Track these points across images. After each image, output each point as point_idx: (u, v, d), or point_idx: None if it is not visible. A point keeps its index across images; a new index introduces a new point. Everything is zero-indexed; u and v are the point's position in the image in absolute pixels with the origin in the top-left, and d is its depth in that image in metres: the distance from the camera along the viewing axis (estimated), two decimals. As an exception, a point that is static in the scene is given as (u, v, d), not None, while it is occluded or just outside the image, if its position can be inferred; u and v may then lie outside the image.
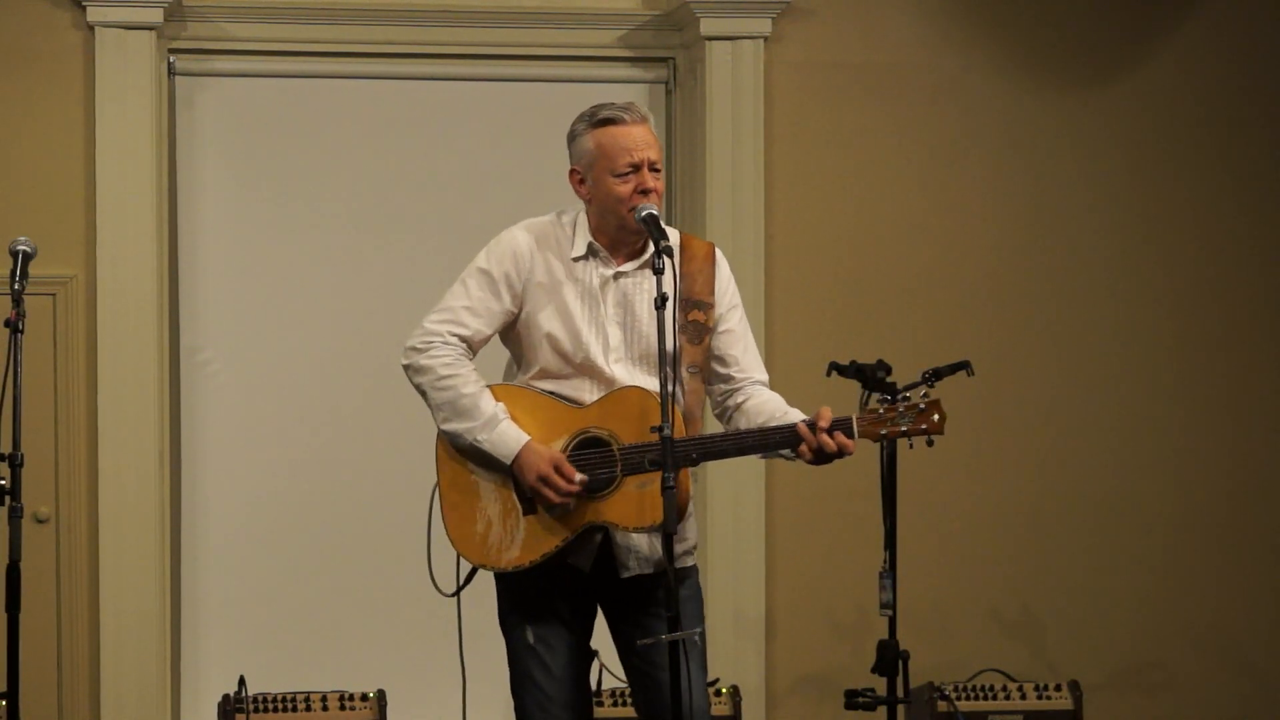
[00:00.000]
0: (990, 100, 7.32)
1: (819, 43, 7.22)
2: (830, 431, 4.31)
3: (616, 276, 4.44)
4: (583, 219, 4.47)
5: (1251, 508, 7.45)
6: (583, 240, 4.45)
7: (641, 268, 4.44)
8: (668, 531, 4.18)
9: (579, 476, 4.31)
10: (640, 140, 4.38)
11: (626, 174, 4.38)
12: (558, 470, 4.31)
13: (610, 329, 4.42)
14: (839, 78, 7.24)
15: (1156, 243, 7.41)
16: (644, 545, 4.40)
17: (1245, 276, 7.46)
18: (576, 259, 4.44)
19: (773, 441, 4.36)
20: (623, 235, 4.42)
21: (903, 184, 7.27)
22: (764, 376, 4.56)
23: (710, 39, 7.07)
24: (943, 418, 4.39)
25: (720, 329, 4.49)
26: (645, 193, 4.36)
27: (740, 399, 4.52)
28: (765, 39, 7.13)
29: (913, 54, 7.27)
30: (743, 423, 4.48)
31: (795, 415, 4.41)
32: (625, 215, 4.38)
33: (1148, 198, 7.41)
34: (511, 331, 4.48)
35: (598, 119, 4.42)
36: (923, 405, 4.39)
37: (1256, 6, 7.46)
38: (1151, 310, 7.42)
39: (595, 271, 4.44)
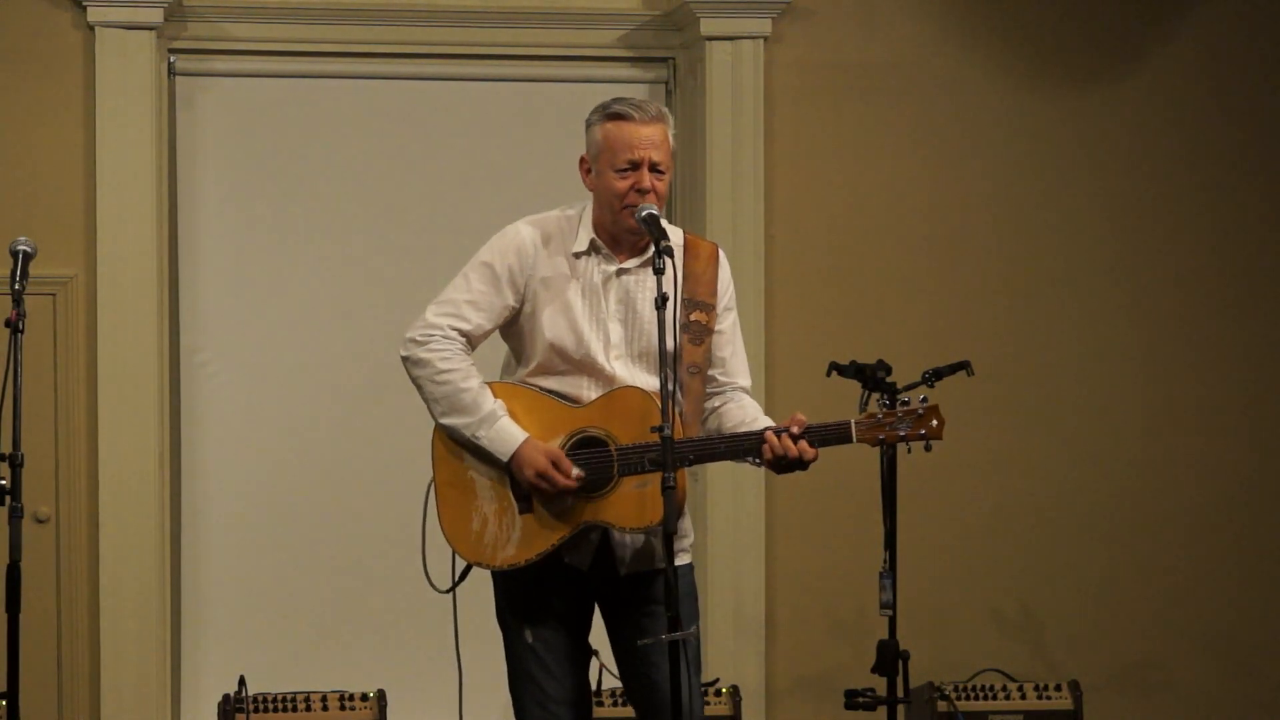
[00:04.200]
0: (990, 99, 7.32)
1: (819, 43, 7.22)
2: (797, 439, 4.31)
3: (619, 273, 4.44)
4: (588, 214, 4.48)
5: (1252, 508, 7.45)
6: (586, 235, 4.45)
7: (644, 265, 4.43)
8: (668, 531, 4.18)
9: (576, 471, 4.31)
10: (645, 139, 4.37)
11: (625, 170, 4.37)
12: (556, 465, 4.31)
13: (612, 326, 4.42)
14: (839, 78, 7.24)
15: (1158, 242, 7.41)
16: (642, 541, 4.40)
17: (1245, 277, 7.46)
18: (579, 254, 4.44)
19: (741, 448, 4.36)
20: (620, 231, 4.42)
21: (903, 183, 7.27)
22: (747, 383, 4.57)
23: (710, 39, 7.07)
24: (941, 423, 4.38)
25: (714, 328, 4.49)
26: (643, 192, 4.35)
27: (718, 403, 4.53)
28: (765, 39, 7.13)
29: (913, 54, 7.27)
30: (715, 426, 4.50)
31: (765, 423, 4.42)
32: (619, 212, 4.38)
33: (1150, 196, 7.41)
34: (512, 327, 4.48)
35: (609, 111, 4.43)
36: (921, 411, 4.37)
37: (1253, 7, 7.46)
38: (1152, 310, 7.41)
39: (598, 268, 4.44)
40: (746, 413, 4.48)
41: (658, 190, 4.37)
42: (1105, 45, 7.40)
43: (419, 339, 4.42)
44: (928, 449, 4.42)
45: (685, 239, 4.52)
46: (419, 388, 4.43)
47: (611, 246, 4.44)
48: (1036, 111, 7.35)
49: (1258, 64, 7.46)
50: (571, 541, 4.37)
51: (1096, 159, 7.39)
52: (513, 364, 4.53)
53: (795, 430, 4.31)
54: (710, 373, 4.51)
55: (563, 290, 4.42)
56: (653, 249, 4.33)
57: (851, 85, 7.24)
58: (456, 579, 4.49)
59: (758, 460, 4.37)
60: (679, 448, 4.24)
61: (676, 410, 4.30)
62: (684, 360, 4.38)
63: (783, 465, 4.34)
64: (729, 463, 7.00)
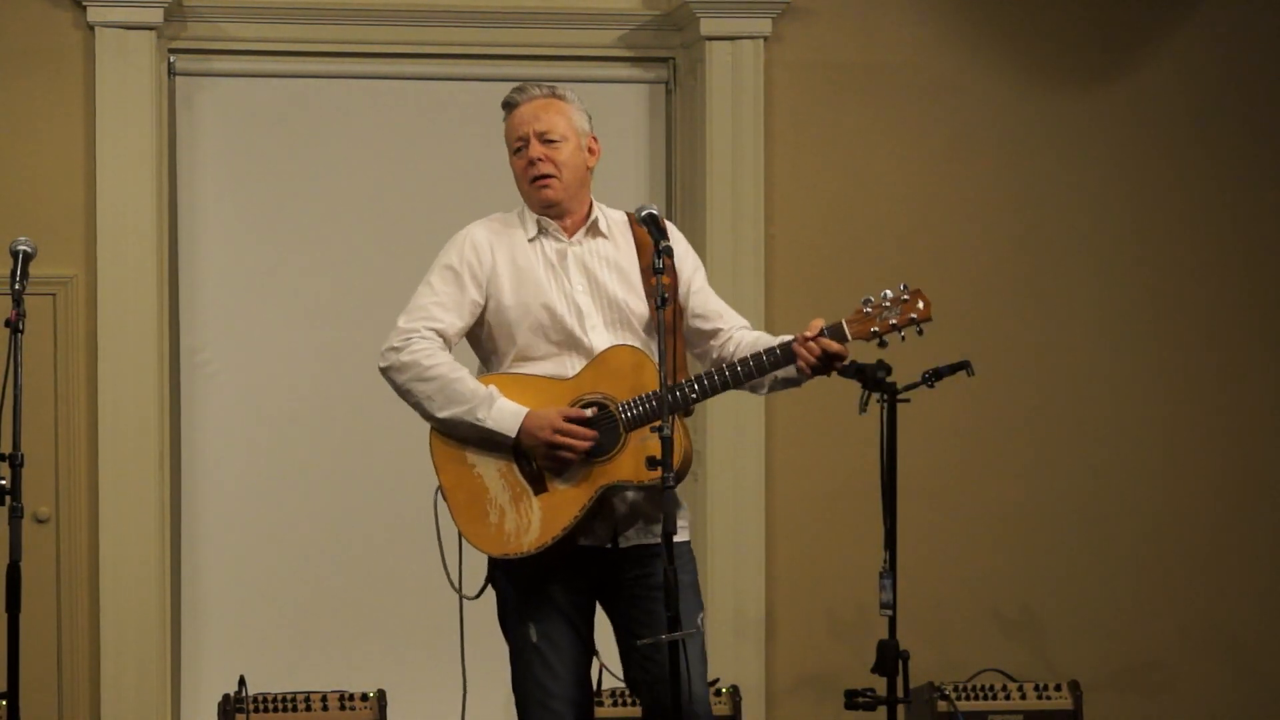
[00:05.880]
0: (989, 101, 7.32)
1: (819, 43, 7.22)
2: (817, 339, 4.37)
3: (571, 248, 4.50)
4: (527, 206, 4.56)
5: (1251, 508, 7.46)
6: (531, 222, 4.52)
7: (589, 233, 4.52)
8: (667, 532, 4.18)
9: (588, 412, 4.32)
10: (526, 115, 4.49)
11: (519, 150, 4.49)
12: (568, 420, 4.32)
13: (580, 300, 4.46)
14: (839, 78, 7.24)
15: (1152, 243, 7.42)
16: (642, 512, 4.39)
17: (1239, 278, 7.46)
18: (531, 240, 4.50)
19: (768, 364, 4.40)
20: (539, 210, 4.49)
21: (902, 184, 7.27)
22: (746, 322, 4.64)
23: (710, 39, 7.07)
24: (928, 304, 4.43)
25: (694, 289, 4.56)
26: (534, 162, 4.44)
27: (732, 347, 4.56)
28: (765, 39, 7.13)
29: (912, 54, 7.27)
30: (730, 354, 4.54)
31: (786, 338, 4.46)
32: (528, 191, 4.49)
33: (1142, 199, 7.42)
34: (482, 328, 4.50)
35: (503, 105, 4.55)
36: (906, 295, 4.40)
37: (1251, 9, 7.46)
38: (1153, 310, 7.42)
39: (551, 247, 4.50)
40: (761, 337, 4.53)
41: (552, 158, 4.47)
42: (1102, 48, 7.40)
43: (397, 345, 4.43)
44: (920, 333, 4.44)
45: (628, 216, 4.57)
46: (408, 393, 4.42)
47: (557, 223, 4.51)
48: (1034, 112, 7.35)
49: (1248, 69, 7.45)
50: (590, 512, 4.35)
51: (1093, 160, 7.39)
52: (487, 369, 4.53)
53: (810, 334, 4.39)
54: (713, 326, 4.57)
55: (526, 276, 4.47)
56: (593, 217, 4.50)
57: (851, 85, 7.25)
58: (483, 584, 4.49)
59: (792, 377, 4.42)
60: (679, 390, 4.31)
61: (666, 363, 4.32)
62: (661, 322, 4.37)
63: (821, 365, 4.39)
64: (729, 465, 7.03)
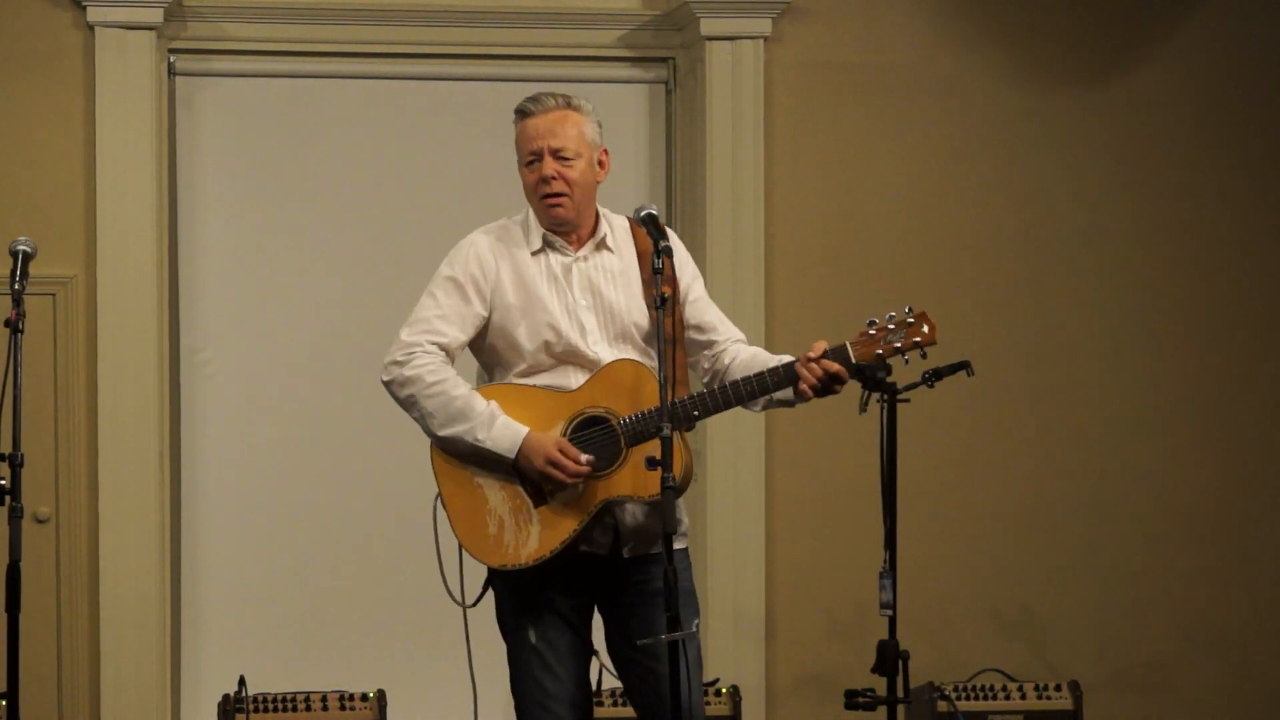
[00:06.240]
0: (989, 101, 7.32)
1: (819, 43, 7.22)
2: (820, 360, 4.36)
3: (576, 263, 4.48)
4: (532, 215, 4.52)
5: (1251, 508, 7.45)
6: (537, 233, 4.49)
7: (597, 248, 4.49)
8: (668, 532, 4.19)
9: (585, 456, 4.31)
10: (541, 129, 4.43)
11: (531, 163, 4.45)
12: (563, 452, 4.31)
13: (584, 315, 4.45)
14: (839, 78, 7.24)
15: (1152, 243, 7.42)
16: (645, 523, 4.39)
17: (1239, 278, 7.46)
18: (535, 253, 4.47)
19: (771, 384, 4.38)
20: (548, 223, 4.46)
21: (902, 184, 7.27)
22: (742, 335, 4.62)
23: (710, 39, 7.07)
24: (933, 327, 4.41)
25: (691, 298, 4.54)
26: (546, 180, 4.41)
27: (728, 359, 4.55)
28: (765, 39, 7.13)
29: (912, 54, 7.28)
30: (738, 377, 4.49)
31: (787, 359, 4.44)
32: (538, 205, 4.46)
33: (1142, 199, 7.42)
34: (485, 339, 4.48)
35: (516, 111, 4.51)
36: (911, 318, 4.40)
37: (1252, 10, 7.46)
38: (1153, 309, 7.42)
39: (556, 261, 4.48)
40: (762, 357, 4.50)
41: (566, 177, 4.42)
42: (1102, 49, 7.40)
43: (400, 359, 4.41)
44: (924, 356, 4.44)
45: (630, 225, 4.55)
46: (411, 406, 4.41)
47: (564, 239, 4.47)
48: (1034, 113, 7.35)
49: (1248, 70, 7.45)
50: (590, 524, 4.35)
51: (1092, 161, 7.39)
52: (484, 380, 4.52)
53: (814, 355, 4.36)
54: (707, 337, 4.56)
55: (530, 290, 4.44)
56: (601, 231, 4.47)
57: (851, 85, 7.25)
58: (480, 592, 4.48)
59: (794, 397, 4.38)
60: (680, 408, 4.29)
61: (668, 378, 4.31)
62: (660, 325, 4.37)
63: (823, 388, 4.37)
64: (729, 465, 7.03)
